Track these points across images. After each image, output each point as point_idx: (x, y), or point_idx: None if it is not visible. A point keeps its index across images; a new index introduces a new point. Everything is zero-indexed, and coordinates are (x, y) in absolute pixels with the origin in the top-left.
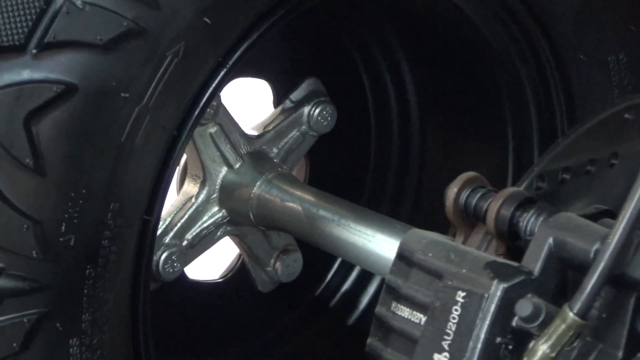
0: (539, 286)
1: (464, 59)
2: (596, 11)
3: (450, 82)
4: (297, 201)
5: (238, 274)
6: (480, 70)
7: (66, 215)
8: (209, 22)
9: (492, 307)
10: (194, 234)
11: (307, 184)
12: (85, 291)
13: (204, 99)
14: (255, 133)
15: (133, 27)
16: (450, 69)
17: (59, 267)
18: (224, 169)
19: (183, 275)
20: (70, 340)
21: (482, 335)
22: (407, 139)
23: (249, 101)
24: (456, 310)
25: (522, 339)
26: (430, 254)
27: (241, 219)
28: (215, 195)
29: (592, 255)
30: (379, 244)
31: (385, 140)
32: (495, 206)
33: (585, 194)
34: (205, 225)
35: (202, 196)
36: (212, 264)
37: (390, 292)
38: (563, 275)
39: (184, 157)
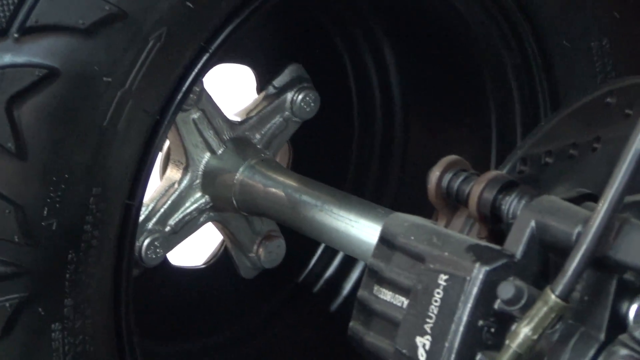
0: (521, 269)
1: (447, 46)
2: None
3: (434, 68)
4: (280, 187)
5: (221, 260)
6: (463, 56)
7: (48, 200)
8: (191, 6)
9: (475, 290)
10: (177, 219)
11: (290, 169)
12: (68, 276)
13: (187, 84)
14: (238, 119)
15: (115, 11)
16: (433, 55)
17: (40, 252)
18: (207, 155)
19: (166, 262)
20: (53, 325)
21: (465, 318)
22: (390, 125)
23: (232, 87)
24: (438, 293)
25: (505, 321)
26: (412, 237)
27: (224, 205)
28: (198, 181)
29: (574, 238)
30: (362, 229)
31: (369, 126)
32: (477, 189)
33: (567, 177)
34: (188, 211)
35: (185, 182)
36: (196, 250)
37: (372, 275)
38: (545, 258)
39: (167, 143)
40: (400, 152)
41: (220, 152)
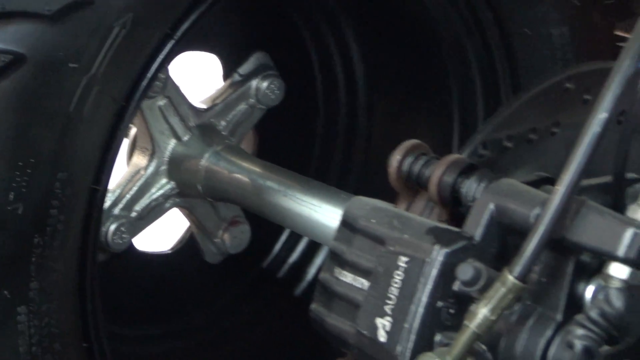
0: (480, 251)
1: (410, 33)
2: None
3: (397, 56)
4: (244, 173)
5: (187, 246)
6: (426, 43)
7: (14, 184)
8: None
9: (434, 272)
10: (143, 205)
11: (255, 156)
12: (34, 259)
13: (152, 71)
14: (204, 106)
15: None
16: (396, 42)
17: (7, 236)
18: (173, 142)
19: (132, 247)
20: (19, 308)
21: (424, 299)
22: (354, 112)
23: (198, 75)
24: (398, 275)
25: (464, 302)
26: (373, 220)
27: (190, 191)
28: (164, 167)
29: (532, 220)
30: (325, 214)
31: (333, 113)
32: (437, 173)
33: (527, 161)
34: (154, 197)
35: (151, 168)
36: (164, 236)
37: (334, 258)
38: (504, 241)
39: (134, 130)
40: (364, 138)
41: (185, 138)
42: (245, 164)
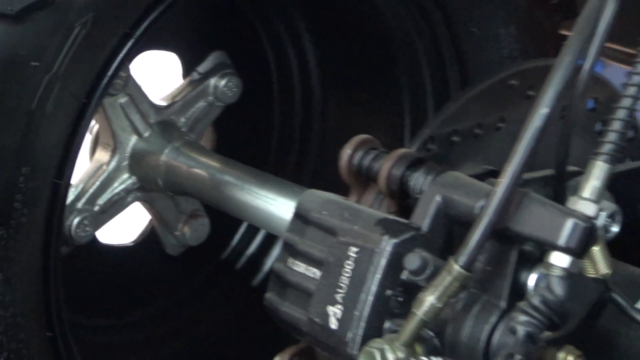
0: (427, 241)
1: (363, 32)
2: None
3: (350, 54)
4: (203, 167)
5: (148, 238)
6: (378, 42)
7: None
8: None
9: (383, 261)
10: (105, 199)
11: (214, 151)
12: None
13: (113, 69)
14: (164, 103)
15: None
16: (350, 41)
17: None
18: (134, 138)
19: (95, 240)
20: None
21: (374, 288)
22: (309, 108)
23: (159, 73)
24: (349, 264)
25: (411, 291)
26: (325, 212)
27: (150, 185)
28: (125, 162)
29: (476, 211)
30: (280, 207)
31: (289, 110)
32: (386, 166)
33: (473, 155)
34: (116, 191)
35: (113, 163)
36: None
37: (287, 248)
38: (450, 231)
39: (97, 126)
40: (319, 134)
41: (146, 135)
42: (204, 159)
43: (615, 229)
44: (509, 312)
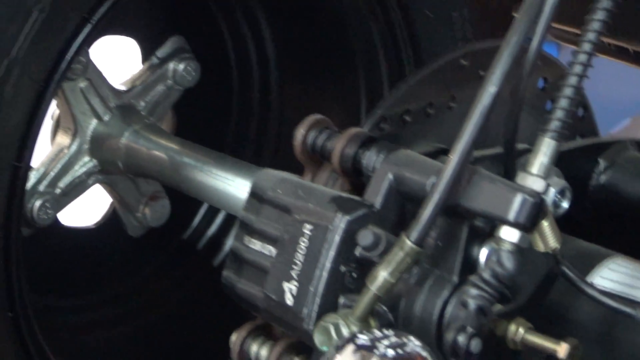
0: (380, 218)
1: (319, 15)
2: None
3: (307, 37)
4: (162, 150)
5: (110, 220)
6: (334, 26)
7: None
8: None
9: (337, 238)
10: (67, 182)
11: (175, 134)
12: None
13: (71, 53)
14: (124, 88)
15: None
16: (306, 24)
17: None
18: (94, 122)
19: (57, 222)
20: None
21: (328, 264)
22: (267, 91)
23: (120, 58)
24: (303, 241)
25: (365, 267)
26: (279, 191)
27: (111, 168)
28: (86, 146)
29: (428, 188)
30: (238, 187)
31: (247, 92)
32: (339, 145)
33: (425, 134)
34: (77, 174)
35: (73, 147)
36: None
37: (243, 227)
38: (403, 208)
39: (57, 111)
40: (277, 115)
41: (106, 118)
42: (163, 142)
43: (565, 204)
44: (460, 286)
